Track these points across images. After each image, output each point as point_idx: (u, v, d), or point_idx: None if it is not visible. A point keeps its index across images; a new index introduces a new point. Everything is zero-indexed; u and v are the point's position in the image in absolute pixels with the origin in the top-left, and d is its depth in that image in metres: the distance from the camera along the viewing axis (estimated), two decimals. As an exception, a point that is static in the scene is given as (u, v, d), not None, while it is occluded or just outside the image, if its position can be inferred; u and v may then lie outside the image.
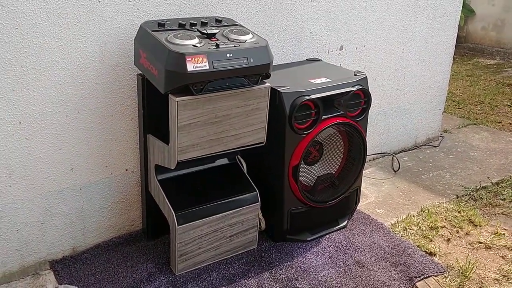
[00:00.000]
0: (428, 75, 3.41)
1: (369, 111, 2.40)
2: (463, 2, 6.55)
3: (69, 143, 2.10)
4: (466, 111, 4.39)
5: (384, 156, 3.36)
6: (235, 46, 1.88)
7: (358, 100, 2.34)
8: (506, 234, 2.51)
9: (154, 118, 2.14)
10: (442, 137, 3.74)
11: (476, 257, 2.33)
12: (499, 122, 4.13)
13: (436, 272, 2.21)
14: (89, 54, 2.02)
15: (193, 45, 1.82)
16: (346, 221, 2.55)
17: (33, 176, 2.05)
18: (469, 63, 6.21)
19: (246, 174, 2.32)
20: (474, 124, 4.08)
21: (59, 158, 2.09)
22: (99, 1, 1.98)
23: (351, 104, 2.32)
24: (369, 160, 3.29)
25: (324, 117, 2.24)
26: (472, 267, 2.23)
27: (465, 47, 6.85)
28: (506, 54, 6.41)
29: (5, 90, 1.88)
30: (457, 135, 3.83)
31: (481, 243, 2.44)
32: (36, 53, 1.90)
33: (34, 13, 1.85)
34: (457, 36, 6.72)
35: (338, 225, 2.52)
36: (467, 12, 6.67)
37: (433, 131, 3.66)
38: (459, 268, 2.23)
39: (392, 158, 3.31)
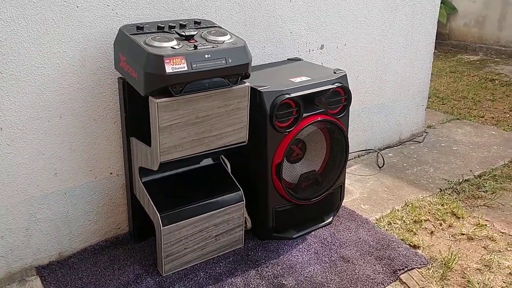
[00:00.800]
0: (409, 72, 3.46)
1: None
2: (445, 0, 6.65)
3: (52, 148, 2.11)
4: (450, 107, 4.45)
5: (369, 152, 3.40)
6: (213, 47, 1.91)
7: (339, 97, 2.37)
8: (488, 225, 2.55)
9: (136, 121, 2.16)
10: (426, 132, 3.79)
11: (459, 248, 2.37)
12: (482, 117, 4.19)
13: (420, 264, 2.24)
14: (69, 59, 2.04)
15: (172, 47, 1.85)
16: (331, 217, 2.58)
17: (17, 182, 2.05)
18: (452, 60, 6.29)
19: (230, 174, 2.34)
20: (458, 119, 4.14)
21: (42, 163, 2.10)
22: (77, 6, 1.99)
23: (332, 102, 2.35)
24: (354, 157, 3.33)
25: (305, 115, 2.27)
26: (455, 258, 2.27)
27: (449, 44, 6.94)
28: (489, 50, 6.50)
29: (-14, 97, 1.89)
30: (441, 130, 3.88)
31: (463, 234, 2.48)
32: (15, 59, 1.91)
33: (12, 19, 1.86)
34: (440, 33, 6.85)
35: (324, 221, 2.55)
36: (449, 9, 6.76)
37: (417, 127, 3.71)
38: (442, 260, 2.27)
39: (377, 155, 3.35)
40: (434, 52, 6.46)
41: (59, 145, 2.12)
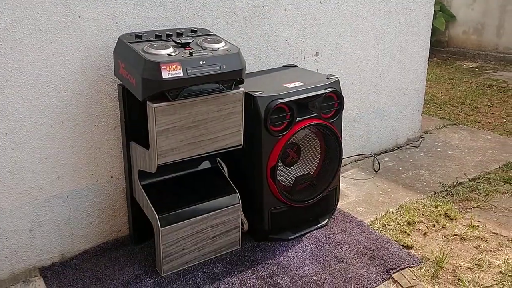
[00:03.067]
0: (404, 78, 3.53)
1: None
2: (444, 8, 6.74)
3: (54, 152, 2.19)
4: (447, 112, 4.51)
5: (365, 157, 3.47)
6: (208, 53, 1.99)
7: (331, 102, 2.45)
8: (480, 226, 2.61)
9: (135, 126, 2.24)
10: (423, 137, 3.85)
11: (451, 248, 2.43)
12: (478, 122, 4.25)
13: (412, 264, 2.30)
14: (71, 67, 2.13)
15: (168, 54, 1.93)
16: (327, 219, 2.64)
17: (21, 185, 2.14)
18: (451, 67, 6.36)
19: (227, 177, 2.42)
20: (454, 124, 4.20)
21: (45, 167, 2.18)
22: (79, 17, 2.09)
23: (325, 106, 2.42)
24: (351, 162, 3.39)
25: (299, 119, 2.34)
26: (446, 257, 2.32)
27: (448, 51, 7.02)
28: (487, 56, 6.57)
29: (-9, 103, 1.98)
30: (437, 135, 3.94)
31: (456, 235, 2.53)
32: (19, 67, 2.00)
33: (17, 29, 1.96)
34: (439, 41, 6.93)
35: (319, 223, 2.61)
36: (448, 17, 6.84)
37: (413, 132, 3.77)
38: (434, 259, 2.32)
39: (373, 159, 3.42)
40: (433, 59, 6.55)
41: (61, 150, 2.21)
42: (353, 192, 3.02)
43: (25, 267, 2.25)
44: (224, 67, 1.99)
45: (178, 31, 2.17)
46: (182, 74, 1.89)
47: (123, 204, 2.46)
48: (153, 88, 1.89)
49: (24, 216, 2.18)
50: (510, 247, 2.43)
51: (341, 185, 2.90)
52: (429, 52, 3.67)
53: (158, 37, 2.10)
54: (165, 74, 1.86)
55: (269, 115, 2.23)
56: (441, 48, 7.05)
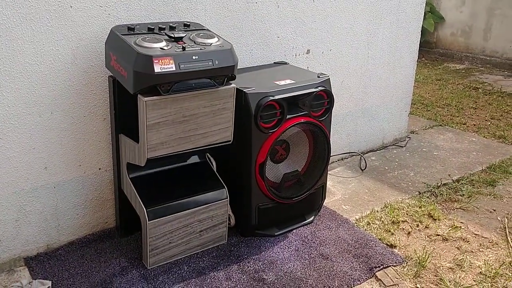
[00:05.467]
0: (393, 78, 3.57)
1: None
2: (433, 9, 6.80)
3: (42, 142, 2.17)
4: (433, 113, 4.57)
5: (352, 156, 3.50)
6: (201, 49, 1.99)
7: (322, 100, 2.47)
8: (462, 227, 2.66)
9: (125, 118, 2.23)
10: (409, 137, 3.90)
11: (433, 248, 2.47)
12: (464, 124, 4.32)
13: (395, 262, 2.34)
14: (61, 57, 2.11)
15: (161, 48, 1.93)
16: (313, 216, 2.67)
17: (7, 174, 2.12)
18: (439, 68, 6.43)
19: (216, 172, 2.42)
20: (440, 125, 4.26)
21: (33, 157, 2.17)
22: (71, 7, 2.07)
23: (315, 105, 2.44)
24: (338, 160, 3.42)
25: (288, 116, 2.36)
26: (428, 257, 2.36)
27: (436, 52, 7.09)
28: (474, 59, 6.65)
29: (-21, 91, 1.96)
30: (423, 136, 4.00)
31: (438, 235, 2.58)
32: (9, 56, 1.98)
33: (7, 18, 1.94)
34: (428, 42, 7.00)
35: (305, 220, 2.63)
36: (437, 18, 6.91)
37: (400, 132, 3.82)
38: (417, 259, 2.36)
39: (360, 158, 3.45)
40: (421, 60, 6.62)
41: (49, 140, 2.19)
42: (340, 190, 3.05)
43: (10, 256, 2.23)
44: (217, 62, 2.00)
45: (171, 24, 2.16)
46: (174, 69, 1.89)
47: (110, 196, 2.46)
48: (144, 81, 1.88)
49: (10, 206, 2.17)
50: (490, 248, 2.49)
51: (328, 183, 2.93)
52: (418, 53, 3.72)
53: (150, 30, 2.09)
54: (157, 68, 1.86)
55: (259, 112, 2.24)
56: (429, 49, 7.12)
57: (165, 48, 1.93)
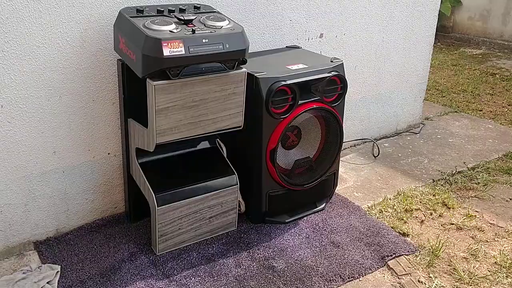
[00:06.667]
0: (408, 64, 3.48)
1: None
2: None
3: (51, 126, 2.15)
4: (449, 100, 4.47)
5: (365, 142, 3.44)
6: (211, 32, 1.94)
7: (335, 86, 2.41)
8: (477, 216, 2.60)
9: (134, 103, 2.20)
10: (423, 124, 3.82)
11: (447, 237, 2.42)
12: (480, 110, 4.22)
13: (408, 251, 2.29)
14: (69, 40, 2.07)
15: (170, 31, 1.88)
16: (324, 204, 2.63)
17: (16, 158, 2.10)
18: (455, 53, 6.29)
19: (226, 158, 2.39)
20: (456, 112, 4.16)
21: (42, 141, 2.15)
22: (79, -12, 2.03)
23: (328, 90, 2.38)
24: (350, 146, 3.37)
25: (301, 102, 2.30)
26: (442, 246, 2.32)
27: (452, 37, 6.93)
28: (492, 44, 6.49)
29: (-13, 75, 1.94)
30: (438, 122, 3.91)
31: (452, 224, 2.53)
32: (16, 39, 1.95)
33: (14, -1, 1.90)
34: (444, 26, 6.84)
35: (316, 207, 2.60)
36: (454, 2, 6.74)
37: (414, 118, 3.74)
38: (430, 248, 2.32)
39: (373, 144, 3.39)
40: (437, 45, 6.48)
41: (58, 124, 2.17)
42: (352, 177, 3.00)
43: (19, 240, 2.23)
44: (227, 46, 1.94)
45: (180, 7, 2.11)
46: (184, 52, 1.84)
47: (119, 181, 2.44)
48: (153, 65, 1.84)
49: (19, 190, 2.16)
50: (506, 238, 2.43)
51: (340, 169, 2.88)
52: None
53: (160, 13, 2.04)
54: (166, 52, 1.81)
55: (271, 97, 2.19)
56: (445, 33, 6.96)
57: (175, 31, 1.89)
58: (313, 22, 2.83)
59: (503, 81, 5.07)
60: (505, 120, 3.99)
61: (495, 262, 2.25)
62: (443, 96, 4.58)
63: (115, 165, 2.40)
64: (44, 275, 2.05)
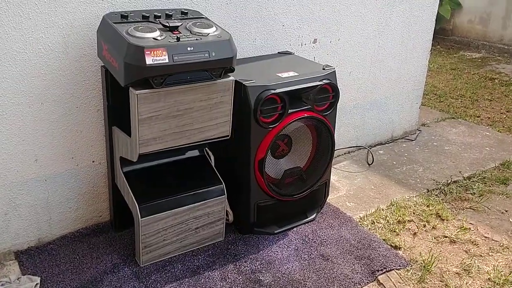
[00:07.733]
0: (404, 69, 3.41)
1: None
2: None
3: (32, 134, 2.09)
4: (446, 105, 4.40)
5: (360, 149, 3.38)
6: (196, 39, 1.88)
7: (326, 94, 2.34)
8: (472, 229, 2.54)
9: (119, 110, 2.13)
10: (420, 130, 3.76)
11: (440, 251, 2.36)
12: (478, 116, 4.15)
13: (399, 266, 2.23)
14: (51, 45, 2.01)
15: (154, 38, 1.81)
16: (315, 214, 2.57)
17: (-4, 167, 2.04)
18: (454, 56, 6.22)
19: (213, 167, 2.33)
20: (453, 118, 4.10)
21: (23, 149, 2.08)
22: (62, -8, 1.96)
23: (319, 99, 2.32)
24: (344, 153, 3.30)
25: (291, 111, 2.24)
26: (434, 261, 2.25)
27: (452, 40, 6.86)
28: (491, 47, 6.42)
29: (-35, 81, 1.87)
30: (435, 129, 3.85)
31: (446, 237, 2.46)
32: (-4, 44, 1.89)
33: (-7, 3, 1.84)
34: (444, 29, 6.77)
35: (307, 218, 2.53)
36: (454, 5, 6.66)
37: (410, 125, 3.68)
38: (422, 262, 2.26)
39: (367, 152, 3.33)
40: (436, 48, 6.41)
41: (40, 132, 2.11)
42: (344, 185, 2.94)
43: (-1, 250, 2.18)
44: (213, 54, 1.88)
45: (167, 12, 2.04)
46: (167, 61, 1.78)
47: (104, 189, 2.38)
48: (136, 74, 1.77)
49: (-1, 199, 2.10)
50: (500, 252, 2.37)
51: (332, 178, 2.82)
52: (433, 40, 3.54)
53: (145, 18, 1.97)
54: (149, 60, 1.75)
55: (259, 106, 2.13)
56: (445, 36, 6.89)
57: (159, 38, 1.82)
58: (307, 27, 2.76)
59: (502, 86, 5.00)
60: (503, 127, 3.92)
61: (488, 278, 2.19)
62: (441, 101, 4.52)
63: (100, 173, 2.34)
64: (23, 287, 1.99)
